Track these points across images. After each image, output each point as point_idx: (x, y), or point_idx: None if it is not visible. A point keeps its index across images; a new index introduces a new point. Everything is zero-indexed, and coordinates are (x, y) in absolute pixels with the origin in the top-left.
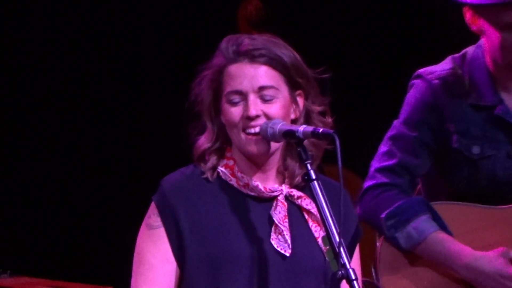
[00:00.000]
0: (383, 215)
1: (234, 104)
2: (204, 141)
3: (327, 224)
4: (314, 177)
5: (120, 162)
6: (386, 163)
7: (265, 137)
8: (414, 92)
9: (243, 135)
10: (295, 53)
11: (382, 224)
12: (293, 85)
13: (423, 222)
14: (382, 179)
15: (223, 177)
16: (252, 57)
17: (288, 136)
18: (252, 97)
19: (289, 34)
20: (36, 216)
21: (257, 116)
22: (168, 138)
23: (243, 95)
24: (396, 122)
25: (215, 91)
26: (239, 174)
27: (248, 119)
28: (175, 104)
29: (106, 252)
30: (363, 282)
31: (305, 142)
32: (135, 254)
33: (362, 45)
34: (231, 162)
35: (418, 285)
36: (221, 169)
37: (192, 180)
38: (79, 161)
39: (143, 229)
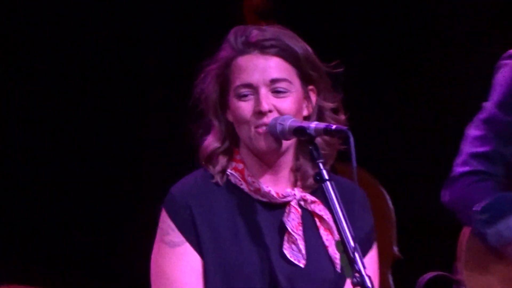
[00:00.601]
0: (477, 208)
1: (244, 98)
2: (211, 141)
3: (340, 228)
4: (326, 177)
5: (121, 166)
6: (481, 148)
7: (273, 134)
8: (503, 72)
9: (253, 131)
10: (307, 45)
11: (472, 217)
12: (305, 79)
13: None
14: (477, 166)
15: (232, 181)
16: (262, 48)
17: (299, 133)
18: (263, 91)
19: (300, 25)
20: (27, 224)
21: (270, 111)
22: (171, 139)
23: (254, 89)
24: (488, 104)
25: (222, 86)
26: (249, 179)
27: (260, 114)
28: (178, 103)
29: (100, 262)
30: (438, 276)
31: (318, 140)
32: (158, 276)
33: (377, 37)
34: (240, 166)
35: (504, 285)
36: (230, 171)
37: (203, 185)
38: (73, 167)
39: (163, 248)
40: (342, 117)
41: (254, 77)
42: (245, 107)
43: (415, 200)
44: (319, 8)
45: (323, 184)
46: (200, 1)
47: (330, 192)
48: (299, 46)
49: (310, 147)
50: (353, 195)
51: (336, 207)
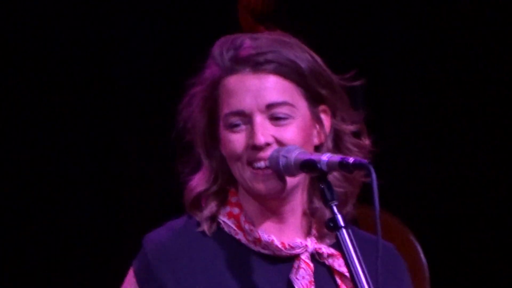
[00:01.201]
0: None
1: (235, 129)
2: (198, 182)
3: (360, 286)
4: (342, 224)
5: (93, 211)
6: None
7: (275, 169)
8: None
9: (248, 171)
10: (315, 56)
11: None
12: (314, 99)
13: None
14: None
15: (226, 229)
16: (255, 64)
17: (308, 168)
18: (258, 119)
19: (307, 30)
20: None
21: (267, 145)
22: (153, 178)
23: (247, 117)
24: None
25: (210, 112)
26: (246, 227)
27: (254, 149)
28: (161, 131)
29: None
30: None
31: (334, 175)
32: None
33: (398, 43)
34: (236, 210)
35: None
36: (223, 219)
37: (184, 237)
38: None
39: None
40: (367, 141)
41: (246, 102)
42: (237, 140)
43: (453, 251)
44: (329, 9)
45: (337, 233)
46: (188, 2)
47: (346, 242)
48: (303, 57)
49: (322, 186)
50: (393, 260)
51: (354, 260)
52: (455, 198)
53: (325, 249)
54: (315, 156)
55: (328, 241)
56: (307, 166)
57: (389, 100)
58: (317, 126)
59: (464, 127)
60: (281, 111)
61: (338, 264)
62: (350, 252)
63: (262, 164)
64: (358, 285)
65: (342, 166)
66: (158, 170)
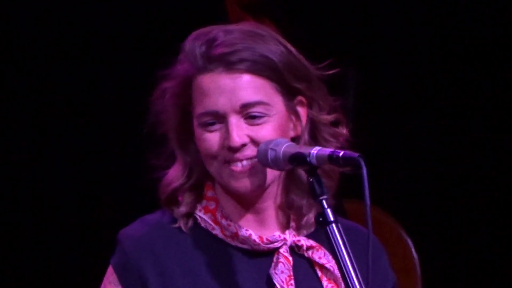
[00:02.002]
0: None
1: (209, 128)
2: (174, 177)
3: (350, 283)
4: (332, 218)
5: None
6: None
7: (264, 163)
8: None
9: (226, 169)
10: (290, 48)
11: None
12: (289, 92)
13: None
14: None
15: (202, 225)
16: (228, 63)
17: (297, 162)
18: (233, 120)
19: (296, 20)
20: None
21: (243, 145)
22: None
23: (221, 117)
24: None
25: (183, 109)
26: (223, 221)
27: (230, 150)
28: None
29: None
30: None
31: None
32: None
33: (389, 34)
34: (212, 205)
35: None
36: (199, 214)
37: (160, 232)
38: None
39: None
40: (344, 131)
41: (220, 103)
42: (212, 139)
43: (444, 247)
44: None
45: (327, 228)
46: None
47: (336, 237)
48: (277, 51)
49: (311, 180)
50: (366, 245)
51: (344, 255)
52: (446, 193)
53: (304, 241)
54: (304, 149)
55: (305, 231)
56: (296, 159)
57: (379, 94)
58: (293, 119)
59: (455, 122)
60: (256, 110)
61: (318, 256)
62: (340, 247)
63: (239, 165)
64: (348, 280)
65: (332, 159)
66: (130, 165)
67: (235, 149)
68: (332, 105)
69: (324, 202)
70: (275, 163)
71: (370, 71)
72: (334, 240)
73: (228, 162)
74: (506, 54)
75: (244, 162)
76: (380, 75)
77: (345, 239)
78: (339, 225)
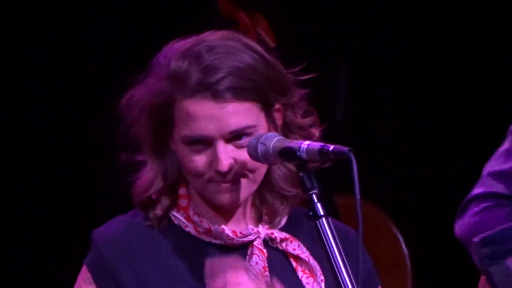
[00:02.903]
0: (476, 239)
1: (196, 149)
2: (148, 183)
3: (340, 277)
4: (321, 213)
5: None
6: (502, 166)
7: (254, 157)
8: None
9: (211, 185)
10: (266, 56)
11: (474, 251)
12: (269, 105)
13: None
14: (495, 187)
15: (175, 222)
16: (216, 92)
17: (286, 156)
18: (221, 145)
19: (287, 15)
20: None
21: (230, 170)
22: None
23: (208, 142)
24: None
25: (160, 123)
26: (195, 218)
27: (218, 174)
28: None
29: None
30: None
31: (280, 170)
32: None
33: (381, 29)
34: (184, 202)
35: None
36: (172, 213)
37: (134, 230)
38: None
39: None
40: (315, 132)
41: (208, 130)
42: (198, 160)
43: (434, 242)
44: None
45: (317, 222)
46: None
47: (326, 231)
48: (259, 67)
49: (301, 174)
50: (346, 236)
51: (334, 250)
52: (437, 188)
53: (277, 233)
54: (293, 144)
55: (279, 226)
56: (286, 154)
57: (370, 88)
58: (272, 127)
59: (446, 117)
60: (243, 133)
61: (292, 247)
62: (330, 241)
63: (226, 186)
64: (338, 274)
65: (322, 153)
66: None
67: (223, 174)
68: (306, 108)
69: (314, 196)
70: (265, 157)
71: (362, 65)
72: (324, 234)
73: (214, 181)
74: (505, 52)
75: (229, 177)
76: (372, 69)
77: (335, 233)
78: (329, 219)
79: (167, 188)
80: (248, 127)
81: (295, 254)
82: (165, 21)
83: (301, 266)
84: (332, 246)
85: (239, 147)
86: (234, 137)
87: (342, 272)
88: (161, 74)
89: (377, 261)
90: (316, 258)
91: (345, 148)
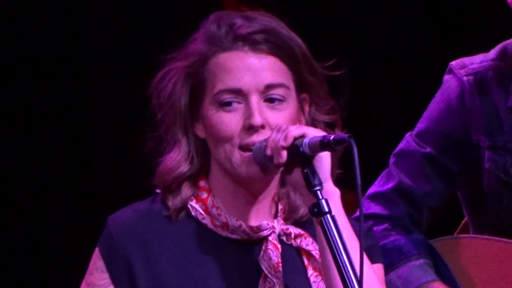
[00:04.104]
0: None
1: (228, 108)
2: (176, 163)
3: (345, 273)
4: (326, 209)
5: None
6: (381, 188)
7: (259, 160)
8: (440, 92)
9: (238, 154)
10: (301, 41)
11: None
12: (301, 86)
13: (413, 269)
14: (372, 209)
15: (193, 213)
16: (254, 43)
17: (290, 154)
18: (255, 99)
19: (291, 11)
20: None
21: (262, 127)
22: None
23: (242, 96)
24: (408, 135)
25: (193, 89)
26: (214, 211)
27: (250, 129)
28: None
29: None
30: None
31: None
32: None
33: (387, 31)
34: (204, 194)
35: None
36: (190, 203)
37: (149, 219)
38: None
39: None
40: (338, 132)
41: (244, 81)
42: (230, 119)
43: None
44: None
45: (322, 219)
46: None
47: (331, 227)
48: (296, 42)
49: (305, 170)
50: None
51: (340, 248)
52: None
53: (292, 229)
54: (297, 141)
55: (291, 222)
56: (290, 151)
57: (374, 85)
58: (299, 113)
59: None
60: (277, 93)
61: (306, 243)
62: (335, 237)
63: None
64: (343, 271)
65: (324, 145)
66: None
67: (256, 128)
68: (331, 105)
69: (318, 192)
70: (270, 159)
71: (366, 62)
72: (329, 231)
73: (241, 148)
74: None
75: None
76: (375, 64)
77: (340, 230)
78: (334, 215)
79: (191, 175)
80: (283, 85)
81: (308, 250)
82: (169, 17)
83: (312, 264)
84: (337, 243)
85: (272, 109)
86: (268, 96)
87: (347, 268)
88: (195, 37)
89: None
90: None
91: (345, 135)
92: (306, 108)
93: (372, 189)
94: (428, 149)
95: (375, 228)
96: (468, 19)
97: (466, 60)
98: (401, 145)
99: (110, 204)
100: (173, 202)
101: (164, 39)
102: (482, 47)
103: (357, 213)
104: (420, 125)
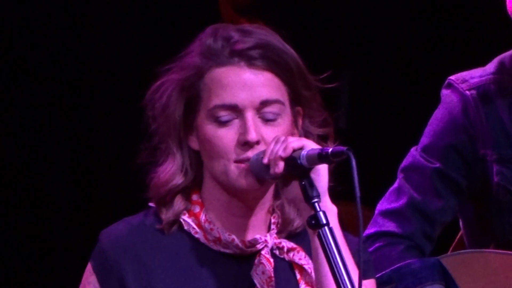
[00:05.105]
0: None
1: (224, 123)
2: (171, 175)
3: (343, 286)
4: (324, 221)
5: (57, 191)
6: (393, 204)
7: (256, 172)
8: (442, 107)
9: (234, 167)
10: (296, 54)
11: None
12: (295, 100)
13: None
14: (386, 226)
15: (185, 227)
16: (250, 59)
17: (288, 166)
18: (251, 115)
19: (290, 22)
20: None
21: (257, 143)
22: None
23: (237, 112)
24: (413, 149)
25: (188, 102)
26: (207, 225)
27: (245, 145)
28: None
29: None
30: None
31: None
32: None
33: (386, 41)
34: (197, 208)
35: None
36: (183, 218)
37: (142, 233)
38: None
39: None
40: (330, 145)
41: (240, 97)
42: (226, 135)
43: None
44: (316, 3)
45: (320, 231)
46: None
47: (329, 241)
48: (292, 57)
49: (303, 183)
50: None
51: (337, 261)
52: None
53: (285, 243)
54: (294, 153)
55: (284, 235)
56: (287, 164)
57: (374, 94)
58: (293, 127)
59: None
60: (272, 110)
61: (299, 257)
62: (333, 250)
63: (247, 163)
64: (341, 283)
65: (321, 157)
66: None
67: (251, 144)
68: (324, 118)
69: (316, 205)
70: (267, 172)
71: (365, 71)
72: (327, 243)
73: (237, 161)
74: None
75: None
76: (375, 75)
77: (338, 242)
78: (332, 228)
79: (184, 188)
80: (279, 101)
81: (300, 264)
82: (166, 28)
83: (304, 278)
84: (335, 255)
85: (267, 125)
86: (264, 112)
87: (345, 281)
88: (190, 50)
89: None
90: None
91: (343, 148)
92: (299, 121)
93: (383, 206)
94: (437, 164)
95: (390, 249)
96: (465, 32)
97: (465, 74)
98: (408, 160)
99: (105, 216)
100: (166, 215)
101: (161, 50)
102: (479, 61)
103: (370, 229)
104: (425, 140)
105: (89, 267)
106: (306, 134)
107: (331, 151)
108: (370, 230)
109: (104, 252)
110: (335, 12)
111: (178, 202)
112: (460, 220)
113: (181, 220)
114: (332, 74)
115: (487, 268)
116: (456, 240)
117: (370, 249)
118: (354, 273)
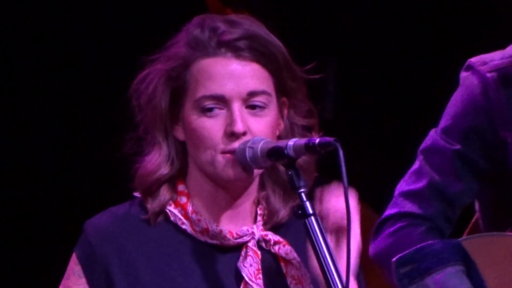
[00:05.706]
0: (394, 259)
1: (210, 114)
2: (156, 165)
3: (330, 277)
4: (310, 211)
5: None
6: (414, 185)
7: (242, 162)
8: (461, 89)
9: (221, 157)
10: (283, 46)
11: (392, 271)
12: (281, 91)
13: (449, 276)
14: (407, 207)
15: (171, 218)
16: (237, 49)
17: (275, 156)
18: (237, 106)
19: (276, 13)
20: None
21: (244, 134)
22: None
23: (224, 103)
24: (433, 131)
25: (174, 93)
26: (194, 216)
27: (231, 136)
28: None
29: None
30: None
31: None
32: None
33: (371, 32)
34: (183, 199)
35: None
36: (169, 208)
37: (127, 223)
38: None
39: None
40: (315, 136)
41: (227, 88)
42: (212, 126)
43: None
44: None
45: (306, 221)
46: None
47: (315, 231)
48: (278, 48)
49: (290, 173)
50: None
51: (324, 250)
52: None
53: (271, 236)
54: (280, 143)
55: (269, 227)
56: (274, 154)
57: (359, 86)
58: (279, 118)
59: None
60: (259, 100)
61: (285, 251)
62: (319, 239)
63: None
64: (327, 273)
65: (309, 148)
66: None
67: (238, 135)
68: (309, 109)
69: (303, 194)
70: (254, 161)
71: (351, 63)
72: (313, 233)
73: (223, 152)
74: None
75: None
76: (361, 66)
77: (324, 232)
78: (318, 217)
79: (169, 178)
80: (266, 92)
81: (287, 258)
82: (152, 19)
83: (291, 271)
84: (321, 245)
85: (254, 116)
86: (251, 103)
87: (331, 271)
88: (176, 40)
89: (370, 261)
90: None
91: (330, 139)
92: (285, 112)
93: (403, 187)
94: (457, 146)
95: (412, 229)
96: (451, 22)
97: (485, 57)
98: (427, 142)
99: (90, 206)
100: (152, 205)
101: (147, 41)
102: (465, 50)
103: (390, 210)
104: (445, 122)
105: (73, 257)
106: (291, 125)
107: (318, 142)
108: (391, 211)
109: (89, 242)
110: (319, 2)
111: (164, 192)
112: (476, 203)
113: (167, 211)
114: (317, 64)
115: (507, 251)
116: (471, 223)
117: (391, 229)
118: (342, 262)
